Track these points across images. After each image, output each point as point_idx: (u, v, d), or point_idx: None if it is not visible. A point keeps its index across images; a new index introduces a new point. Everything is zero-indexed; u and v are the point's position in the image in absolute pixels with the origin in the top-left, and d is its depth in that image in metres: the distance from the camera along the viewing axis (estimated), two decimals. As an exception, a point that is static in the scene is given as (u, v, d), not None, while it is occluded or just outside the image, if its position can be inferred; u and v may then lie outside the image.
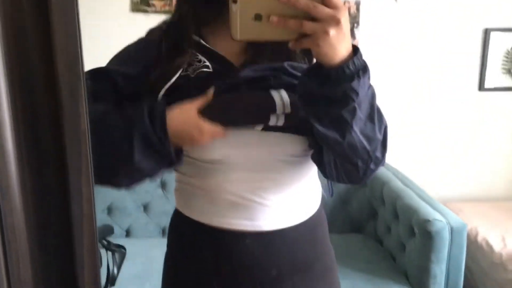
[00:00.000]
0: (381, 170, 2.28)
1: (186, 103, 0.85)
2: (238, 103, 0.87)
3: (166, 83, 0.87)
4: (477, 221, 2.08)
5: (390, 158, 2.40)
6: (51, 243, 0.42)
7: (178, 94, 0.86)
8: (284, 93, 0.85)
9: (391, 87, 2.36)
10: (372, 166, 0.84)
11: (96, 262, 0.44)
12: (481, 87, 2.37)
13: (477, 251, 1.96)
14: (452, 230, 1.78)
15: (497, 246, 1.90)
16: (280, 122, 0.86)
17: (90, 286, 0.44)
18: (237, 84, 0.87)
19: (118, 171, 0.87)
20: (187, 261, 1.00)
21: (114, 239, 1.98)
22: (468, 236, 1.86)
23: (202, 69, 0.87)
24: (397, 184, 2.12)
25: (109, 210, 2.24)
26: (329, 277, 1.03)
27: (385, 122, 0.84)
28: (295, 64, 0.89)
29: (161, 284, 1.07)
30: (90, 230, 0.42)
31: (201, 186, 0.94)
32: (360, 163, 0.83)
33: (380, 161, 0.85)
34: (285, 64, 0.88)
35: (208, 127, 0.84)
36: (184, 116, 0.84)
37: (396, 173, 2.27)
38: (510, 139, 2.48)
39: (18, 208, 0.41)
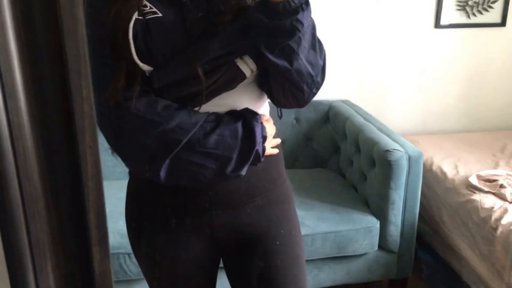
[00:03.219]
0: (343, 107, 2.37)
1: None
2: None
3: (124, 25, 0.89)
4: (432, 152, 2.21)
5: (352, 95, 2.49)
6: (54, 140, 0.46)
7: (136, 41, 0.89)
8: (248, 59, 0.92)
9: (347, 24, 2.40)
10: (314, 90, 0.95)
11: (97, 158, 0.48)
12: (437, 24, 2.45)
13: (432, 179, 2.10)
14: (409, 159, 1.89)
15: (450, 173, 2.04)
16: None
17: (92, 181, 0.49)
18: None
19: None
20: (143, 196, 1.07)
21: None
22: (424, 165, 1.98)
23: (152, 15, 0.90)
24: (359, 119, 2.22)
25: (77, 154, 2.24)
26: (284, 205, 1.09)
27: (324, 50, 0.95)
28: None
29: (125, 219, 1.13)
30: (91, 128, 0.46)
31: None
32: (305, 88, 0.93)
33: (320, 85, 0.96)
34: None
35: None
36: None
37: (357, 109, 2.36)
38: (463, 75, 2.60)
39: (23, 108, 0.44)
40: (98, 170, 0.49)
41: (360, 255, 1.98)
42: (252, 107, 0.99)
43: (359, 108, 2.39)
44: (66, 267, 0.52)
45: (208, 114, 0.94)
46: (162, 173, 0.91)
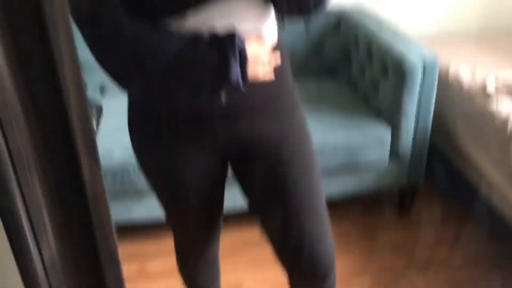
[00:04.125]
0: (355, 14, 2.24)
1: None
2: None
3: None
4: (448, 58, 2.11)
5: (364, 0, 2.34)
6: (38, 91, 0.41)
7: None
8: None
9: None
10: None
11: (73, 50, 0.42)
12: None
13: (447, 87, 2.02)
14: (424, 66, 1.80)
15: (466, 79, 1.95)
16: None
17: (73, 83, 0.44)
18: None
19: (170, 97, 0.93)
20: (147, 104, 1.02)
21: (89, 96, 1.96)
22: (440, 73, 1.89)
23: None
24: (371, 26, 2.09)
25: (79, 69, 2.18)
26: (293, 112, 1.06)
27: None
28: None
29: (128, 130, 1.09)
30: (64, 20, 0.40)
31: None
32: None
33: None
34: None
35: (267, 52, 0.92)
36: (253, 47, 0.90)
37: (370, 15, 2.23)
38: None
39: None
40: (75, 65, 0.44)
41: (371, 166, 1.96)
42: (253, 21, 0.92)
43: (372, 13, 2.25)
44: (54, 177, 0.48)
45: (182, 37, 0.86)
46: (138, 93, 0.89)
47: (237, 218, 1.99)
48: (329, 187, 1.96)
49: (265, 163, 1.04)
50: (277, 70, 0.98)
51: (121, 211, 1.85)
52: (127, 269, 1.87)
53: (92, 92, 2.15)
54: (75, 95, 0.45)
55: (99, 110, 1.89)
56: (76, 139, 0.47)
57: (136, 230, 1.99)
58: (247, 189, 1.12)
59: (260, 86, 0.96)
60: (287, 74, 1.04)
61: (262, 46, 0.93)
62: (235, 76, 0.87)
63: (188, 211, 1.15)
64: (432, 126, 1.93)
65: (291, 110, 1.05)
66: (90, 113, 0.48)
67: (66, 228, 0.51)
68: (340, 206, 2.08)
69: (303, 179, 1.05)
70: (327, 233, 1.08)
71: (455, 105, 1.97)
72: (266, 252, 1.15)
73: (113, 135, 1.82)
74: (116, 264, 0.54)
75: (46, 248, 0.50)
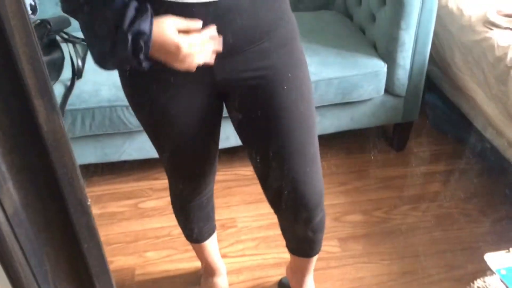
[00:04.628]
0: None
1: (167, 20, 0.83)
2: None
3: None
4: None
5: None
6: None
7: None
8: None
9: None
10: None
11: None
12: None
13: (447, 16, 1.94)
14: (423, -6, 1.72)
15: (467, 9, 1.87)
16: None
17: (15, 19, 0.39)
18: None
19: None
20: None
21: (74, 33, 1.88)
22: (439, 1, 1.81)
23: None
24: (369, -49, 1.98)
25: (63, 3, 2.09)
26: (290, 46, 1.01)
27: None
28: None
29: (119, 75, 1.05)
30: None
31: None
32: None
33: None
34: None
35: (186, 44, 0.83)
36: (163, 37, 0.83)
37: None
38: None
39: None
40: (20, 6, 0.39)
41: (365, 101, 1.92)
42: None
43: None
44: (7, 125, 0.45)
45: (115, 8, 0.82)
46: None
47: (230, 155, 1.99)
48: (321, 121, 1.93)
49: (257, 100, 1.01)
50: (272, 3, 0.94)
51: (113, 150, 1.84)
52: (121, 207, 1.88)
53: (77, 29, 2.07)
54: (23, 35, 0.41)
55: (85, 46, 1.83)
56: (28, 86, 0.43)
57: (129, 168, 1.99)
58: (237, 124, 1.09)
59: (256, 16, 0.92)
60: (284, 5, 0.99)
61: (193, 32, 0.86)
62: (127, 62, 0.84)
63: (182, 151, 1.12)
64: (429, 60, 1.87)
65: (289, 40, 1.01)
66: (42, 55, 0.43)
67: (27, 177, 0.48)
68: (333, 142, 2.06)
69: (291, 119, 1.02)
70: (314, 172, 1.06)
71: (454, 37, 1.90)
72: (259, 189, 1.14)
73: (100, 73, 1.76)
74: (85, 212, 0.52)
75: (7, 198, 0.47)
